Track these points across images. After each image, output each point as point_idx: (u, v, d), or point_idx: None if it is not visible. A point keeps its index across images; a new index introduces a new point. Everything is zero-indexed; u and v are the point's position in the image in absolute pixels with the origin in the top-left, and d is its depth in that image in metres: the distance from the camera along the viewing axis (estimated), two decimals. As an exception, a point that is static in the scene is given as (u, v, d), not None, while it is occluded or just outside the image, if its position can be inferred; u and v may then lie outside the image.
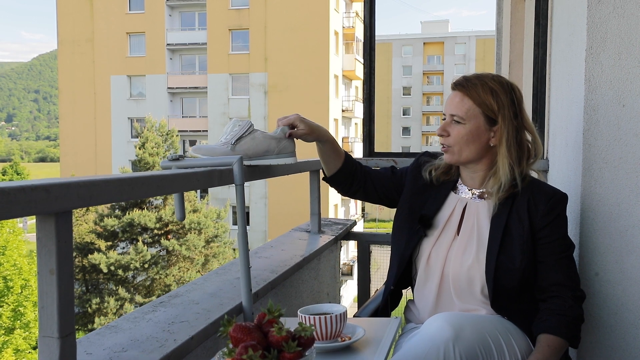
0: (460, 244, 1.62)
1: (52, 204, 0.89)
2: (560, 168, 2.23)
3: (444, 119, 1.66)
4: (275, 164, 1.61)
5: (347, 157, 1.82)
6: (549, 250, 1.57)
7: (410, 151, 2.84)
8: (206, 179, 1.40)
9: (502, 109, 1.59)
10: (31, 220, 44.62)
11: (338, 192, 1.89)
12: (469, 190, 1.68)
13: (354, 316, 1.81)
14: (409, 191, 1.77)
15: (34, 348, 15.30)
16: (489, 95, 1.60)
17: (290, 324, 1.03)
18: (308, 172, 2.57)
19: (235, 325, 0.97)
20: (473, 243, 1.60)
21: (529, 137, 1.64)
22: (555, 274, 1.56)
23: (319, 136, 1.71)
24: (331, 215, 25.53)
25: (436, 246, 1.64)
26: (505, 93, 1.60)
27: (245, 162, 1.55)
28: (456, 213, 1.67)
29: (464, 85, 1.62)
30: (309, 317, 1.24)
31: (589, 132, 1.82)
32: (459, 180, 1.72)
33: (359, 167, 1.83)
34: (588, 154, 1.82)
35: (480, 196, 1.66)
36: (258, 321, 1.00)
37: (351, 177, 1.82)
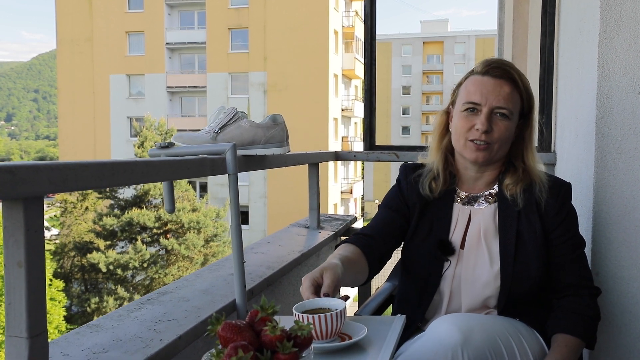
0: (467, 259, 1.46)
1: (19, 188, 0.79)
2: (570, 160, 2.14)
3: (472, 109, 1.43)
4: (263, 154, 1.51)
5: (366, 256, 1.46)
6: (563, 251, 1.46)
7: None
8: (197, 168, 1.30)
9: (534, 103, 1.49)
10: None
11: None
12: (468, 195, 1.53)
13: (354, 314, 1.71)
14: (412, 212, 1.56)
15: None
16: (527, 88, 1.46)
17: (285, 322, 0.93)
18: (307, 166, 2.48)
19: (224, 323, 0.87)
20: (484, 257, 1.45)
21: None
22: (570, 276, 1.46)
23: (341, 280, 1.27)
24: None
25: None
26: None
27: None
28: (460, 225, 1.51)
29: (510, 74, 1.43)
30: (305, 316, 1.13)
31: (602, 121, 1.72)
32: (456, 188, 1.55)
33: (372, 251, 1.50)
34: (601, 144, 1.73)
35: (485, 199, 1.52)
36: (250, 319, 0.91)
37: (378, 267, 1.51)
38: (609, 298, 1.74)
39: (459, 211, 1.52)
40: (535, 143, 1.55)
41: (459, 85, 1.51)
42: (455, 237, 1.50)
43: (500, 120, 1.42)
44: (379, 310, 1.81)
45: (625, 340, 1.73)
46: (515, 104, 1.44)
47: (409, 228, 1.55)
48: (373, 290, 3.06)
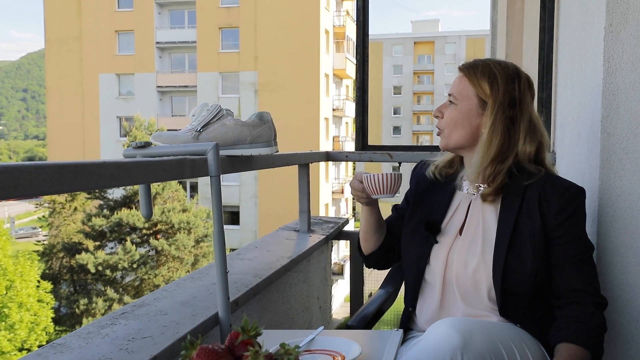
0: (462, 245, 1.46)
1: (-43, 195, 0.68)
2: (571, 161, 2.04)
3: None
4: (249, 155, 1.40)
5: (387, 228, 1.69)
6: (565, 253, 1.40)
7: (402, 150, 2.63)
8: (175, 170, 1.19)
9: (495, 93, 1.45)
10: (18, 220, 44.11)
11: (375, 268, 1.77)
12: (473, 186, 1.53)
13: (347, 325, 1.63)
14: (412, 203, 1.63)
15: (20, 350, 15.04)
16: (485, 77, 1.48)
17: (271, 342, 0.83)
18: (297, 167, 2.37)
19: (200, 348, 0.77)
20: (478, 243, 1.44)
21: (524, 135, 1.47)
22: (573, 280, 1.39)
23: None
24: (322, 214, 25.30)
25: (435, 248, 1.49)
26: (507, 79, 1.46)
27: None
28: (460, 212, 1.52)
29: (466, 66, 1.54)
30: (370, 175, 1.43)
31: (607, 120, 1.63)
32: (463, 176, 1.57)
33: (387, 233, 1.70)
34: (607, 143, 1.64)
35: (488, 192, 1.49)
36: (230, 342, 0.80)
37: (389, 249, 1.68)
38: (614, 306, 1.65)
39: (461, 199, 1.54)
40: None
41: None
42: (453, 223, 1.51)
43: (449, 106, 1.53)
44: (373, 319, 1.71)
45: (632, 351, 1.64)
46: (462, 90, 1.50)
47: (406, 214, 1.63)
48: (365, 294, 2.97)
